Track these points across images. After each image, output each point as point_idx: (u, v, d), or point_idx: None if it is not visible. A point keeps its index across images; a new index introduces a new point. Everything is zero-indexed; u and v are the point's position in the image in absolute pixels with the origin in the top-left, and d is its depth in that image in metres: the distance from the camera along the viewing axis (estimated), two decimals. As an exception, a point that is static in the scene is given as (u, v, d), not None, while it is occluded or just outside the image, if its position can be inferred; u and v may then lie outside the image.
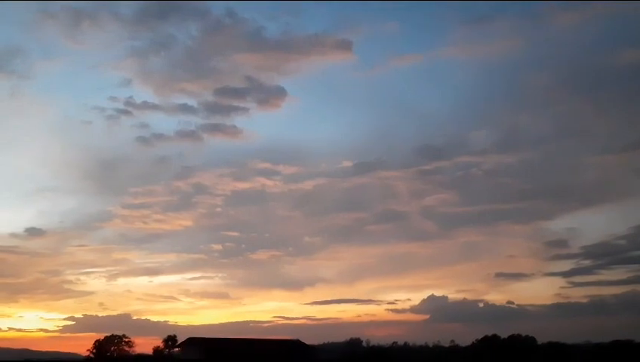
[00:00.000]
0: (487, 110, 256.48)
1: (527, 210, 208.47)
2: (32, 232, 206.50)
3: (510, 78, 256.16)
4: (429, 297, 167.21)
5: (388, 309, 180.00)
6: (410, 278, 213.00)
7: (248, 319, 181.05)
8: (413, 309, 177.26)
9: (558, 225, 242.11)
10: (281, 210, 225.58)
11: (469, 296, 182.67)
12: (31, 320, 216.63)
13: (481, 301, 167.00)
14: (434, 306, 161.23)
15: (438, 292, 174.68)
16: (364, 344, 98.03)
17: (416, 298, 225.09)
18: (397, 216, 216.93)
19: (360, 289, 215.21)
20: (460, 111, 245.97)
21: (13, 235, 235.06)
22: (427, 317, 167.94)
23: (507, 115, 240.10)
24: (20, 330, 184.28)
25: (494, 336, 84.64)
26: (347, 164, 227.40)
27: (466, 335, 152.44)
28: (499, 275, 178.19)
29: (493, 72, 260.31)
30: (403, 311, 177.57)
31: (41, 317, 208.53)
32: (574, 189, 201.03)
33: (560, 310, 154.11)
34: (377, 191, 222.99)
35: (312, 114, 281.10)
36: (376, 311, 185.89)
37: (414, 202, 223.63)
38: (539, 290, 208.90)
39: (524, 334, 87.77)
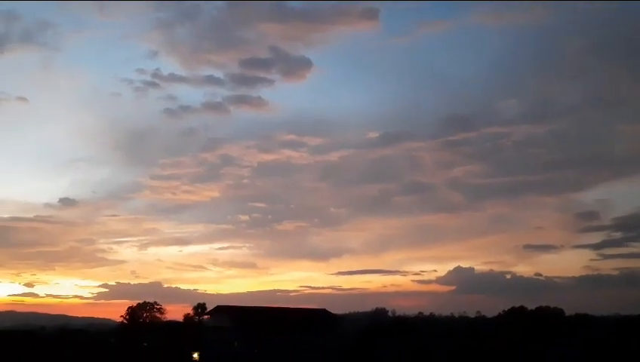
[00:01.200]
0: (517, 79, 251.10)
1: (557, 181, 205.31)
2: (66, 202, 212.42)
3: (542, 46, 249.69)
4: (455, 268, 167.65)
5: (414, 280, 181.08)
6: (436, 249, 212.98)
7: (275, 288, 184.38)
8: (439, 280, 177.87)
9: (589, 196, 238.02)
10: (306, 182, 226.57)
11: (496, 268, 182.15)
12: (67, 287, 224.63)
13: (508, 272, 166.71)
14: (460, 277, 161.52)
15: (464, 264, 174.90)
16: (389, 314, 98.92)
17: (443, 269, 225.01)
18: (423, 187, 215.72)
19: (386, 260, 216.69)
20: (488, 81, 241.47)
21: (48, 205, 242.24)
22: (453, 288, 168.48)
23: (538, 84, 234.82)
24: (57, 297, 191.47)
25: (521, 308, 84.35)
26: (373, 135, 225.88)
27: (492, 307, 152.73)
28: (527, 247, 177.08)
29: (524, 39, 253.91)
30: (429, 281, 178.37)
31: (77, 285, 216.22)
32: (606, 160, 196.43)
33: (589, 282, 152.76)
34: (403, 162, 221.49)
35: (338, 84, 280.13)
36: (401, 282, 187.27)
37: (441, 173, 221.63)
38: (567, 262, 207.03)
39: (552, 306, 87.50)
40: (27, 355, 52.14)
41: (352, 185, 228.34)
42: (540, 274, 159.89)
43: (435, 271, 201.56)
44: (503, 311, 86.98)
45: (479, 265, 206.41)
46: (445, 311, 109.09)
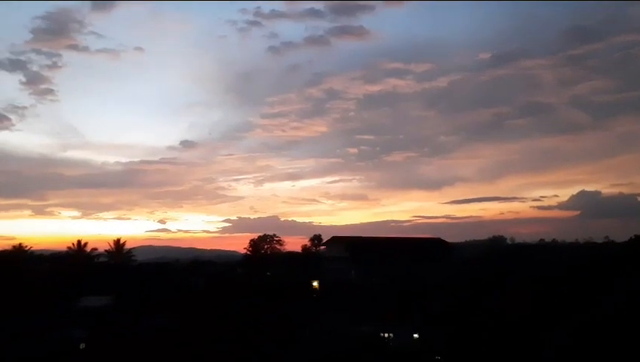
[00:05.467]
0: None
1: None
2: (186, 144, 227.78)
3: None
4: (579, 193, 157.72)
5: (533, 206, 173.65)
6: (557, 174, 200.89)
7: (387, 219, 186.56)
8: (561, 206, 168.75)
9: None
10: (414, 110, 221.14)
11: (626, 190, 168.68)
12: (195, 223, 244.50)
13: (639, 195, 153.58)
14: (585, 202, 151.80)
15: (589, 188, 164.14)
16: (507, 241, 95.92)
17: (565, 194, 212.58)
18: (542, 108, 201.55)
19: (502, 187, 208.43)
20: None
21: (171, 148, 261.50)
22: (577, 213, 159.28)
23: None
24: (186, 231, 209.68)
25: (656, 231, 77.53)
26: (484, 56, 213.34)
27: (622, 232, 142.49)
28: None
29: None
30: (550, 207, 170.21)
31: (203, 220, 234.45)
32: None
33: None
34: (519, 82, 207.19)
35: (442, 4, 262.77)
36: (520, 209, 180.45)
37: (562, 92, 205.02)
38: None
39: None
40: (167, 283, 57.73)
41: (462, 111, 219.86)
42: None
43: (557, 196, 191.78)
44: (635, 235, 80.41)
45: (607, 188, 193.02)
46: (569, 238, 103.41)
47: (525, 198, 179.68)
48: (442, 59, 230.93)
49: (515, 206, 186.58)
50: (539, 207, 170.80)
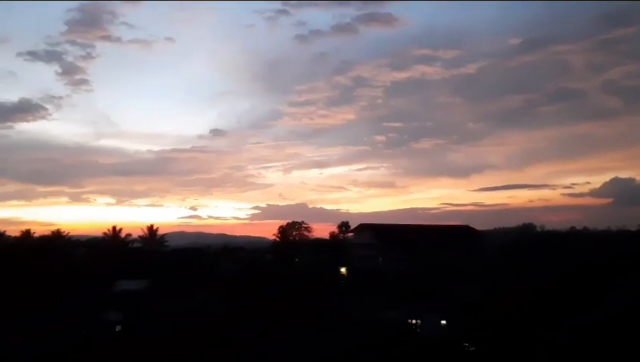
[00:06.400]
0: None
1: None
2: (216, 133, 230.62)
3: None
4: (612, 180, 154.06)
5: (564, 194, 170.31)
6: (588, 161, 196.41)
7: (415, 206, 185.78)
8: (593, 193, 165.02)
9: None
10: (442, 97, 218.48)
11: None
12: (225, 209, 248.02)
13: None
14: (618, 189, 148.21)
15: (623, 175, 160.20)
16: (537, 229, 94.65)
17: (597, 181, 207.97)
18: (573, 94, 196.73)
19: (531, 174, 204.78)
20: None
21: (201, 136, 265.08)
22: (610, 200, 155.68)
23: None
24: (217, 218, 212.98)
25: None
26: (514, 41, 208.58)
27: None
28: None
29: None
30: (581, 195, 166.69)
31: (233, 207, 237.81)
32: None
33: None
34: (549, 68, 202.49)
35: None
36: (550, 196, 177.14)
37: (594, 77, 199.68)
38: None
39: None
40: (199, 268, 59.08)
41: (491, 98, 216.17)
42: None
43: (589, 183, 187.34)
44: (671, 222, 78.42)
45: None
46: (601, 225, 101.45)
47: (556, 186, 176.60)
48: (471, 45, 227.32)
49: (545, 193, 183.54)
50: (570, 195, 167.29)
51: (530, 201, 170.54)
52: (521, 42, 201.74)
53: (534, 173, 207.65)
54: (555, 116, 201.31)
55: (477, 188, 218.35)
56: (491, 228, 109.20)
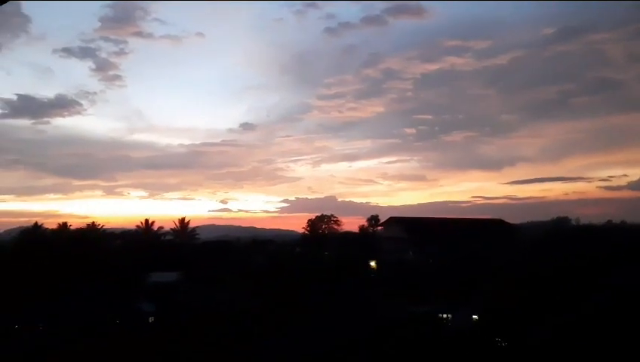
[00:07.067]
0: None
1: None
2: (246, 127, 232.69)
3: None
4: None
5: (600, 186, 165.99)
6: (626, 153, 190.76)
7: (446, 199, 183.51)
8: (631, 186, 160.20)
9: None
10: (473, 89, 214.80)
11: None
12: (255, 203, 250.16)
13: None
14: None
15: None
16: (572, 222, 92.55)
17: (635, 174, 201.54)
18: (610, 84, 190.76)
19: (566, 167, 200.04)
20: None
21: (231, 130, 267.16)
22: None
23: None
24: (247, 211, 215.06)
25: None
26: (548, 31, 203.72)
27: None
28: None
29: None
30: (618, 188, 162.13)
31: (262, 200, 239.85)
32: None
33: None
34: (585, 58, 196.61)
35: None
36: (586, 189, 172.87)
37: (632, 67, 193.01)
38: None
39: None
40: (230, 260, 59.68)
41: (524, 89, 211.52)
42: None
43: (626, 175, 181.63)
44: None
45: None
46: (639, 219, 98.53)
47: (592, 178, 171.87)
48: (503, 35, 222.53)
49: (580, 186, 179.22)
50: (606, 188, 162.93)
51: (565, 194, 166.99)
52: (555, 31, 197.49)
53: (569, 166, 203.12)
54: (591, 107, 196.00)
55: (509, 181, 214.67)
56: (524, 221, 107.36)
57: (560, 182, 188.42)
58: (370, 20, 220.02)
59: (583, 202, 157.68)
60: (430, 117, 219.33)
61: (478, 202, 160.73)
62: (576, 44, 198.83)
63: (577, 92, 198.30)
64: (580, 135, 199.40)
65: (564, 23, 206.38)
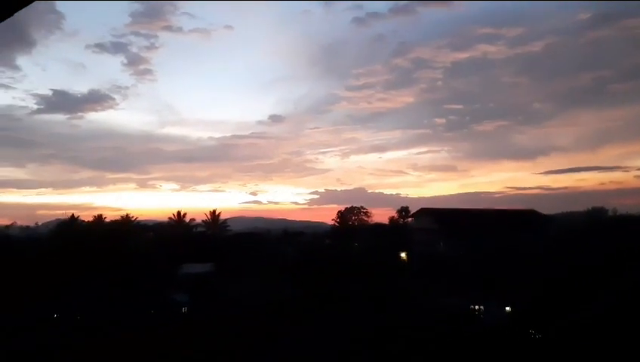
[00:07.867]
0: None
1: None
2: (275, 119, 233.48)
3: None
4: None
5: (638, 176, 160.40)
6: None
7: (477, 190, 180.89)
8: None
9: None
10: (505, 77, 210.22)
11: None
12: (284, 194, 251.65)
13: None
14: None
15: None
16: (609, 213, 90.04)
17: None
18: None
19: (603, 156, 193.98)
20: None
21: (260, 122, 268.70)
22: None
23: None
24: (277, 203, 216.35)
25: None
26: (583, 16, 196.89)
27: None
28: None
29: None
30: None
31: (292, 192, 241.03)
32: None
33: None
34: (623, 44, 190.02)
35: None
36: (623, 179, 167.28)
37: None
38: None
39: None
40: (261, 252, 60.24)
41: (558, 77, 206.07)
42: None
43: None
44: None
45: None
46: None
47: (629, 168, 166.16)
48: (536, 22, 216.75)
49: (617, 176, 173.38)
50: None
51: (601, 184, 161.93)
52: (591, 17, 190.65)
53: (606, 155, 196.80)
54: (628, 94, 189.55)
55: (543, 171, 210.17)
56: (558, 212, 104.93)
57: (596, 171, 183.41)
58: (398, 10, 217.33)
59: (620, 192, 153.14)
60: (461, 106, 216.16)
61: (511, 193, 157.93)
62: (613, 29, 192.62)
63: (614, 79, 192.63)
64: (616, 123, 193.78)
65: (599, 8, 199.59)
